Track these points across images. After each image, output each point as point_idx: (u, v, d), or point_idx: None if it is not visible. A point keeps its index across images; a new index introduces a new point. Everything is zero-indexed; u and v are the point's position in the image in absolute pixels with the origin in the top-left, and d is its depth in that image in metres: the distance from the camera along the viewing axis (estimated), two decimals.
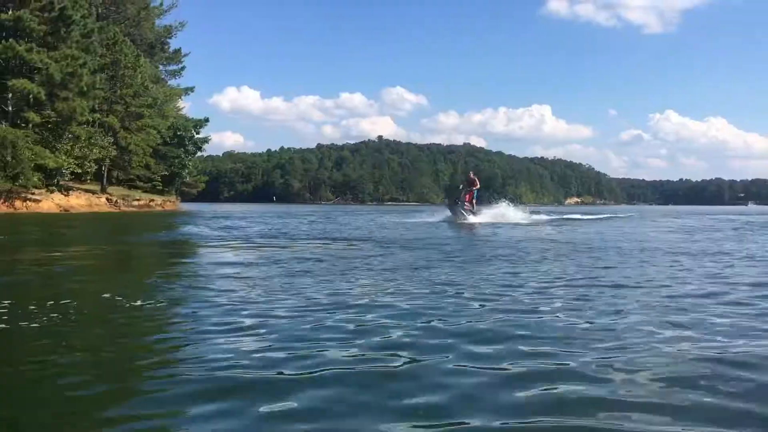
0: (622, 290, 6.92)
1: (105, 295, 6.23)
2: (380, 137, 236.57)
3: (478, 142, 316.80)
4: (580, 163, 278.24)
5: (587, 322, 5.11)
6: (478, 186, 29.56)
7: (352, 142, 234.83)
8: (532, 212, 32.12)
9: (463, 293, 6.59)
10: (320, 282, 7.34)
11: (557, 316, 5.39)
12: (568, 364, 3.82)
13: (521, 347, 4.26)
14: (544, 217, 31.73)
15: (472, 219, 26.84)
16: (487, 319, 5.18)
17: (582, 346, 4.31)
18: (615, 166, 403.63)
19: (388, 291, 6.78)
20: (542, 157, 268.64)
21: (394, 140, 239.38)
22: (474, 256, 11.06)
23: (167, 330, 4.84)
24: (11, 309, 5.36)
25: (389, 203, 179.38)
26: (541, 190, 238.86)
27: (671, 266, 9.53)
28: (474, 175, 30.37)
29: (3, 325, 4.76)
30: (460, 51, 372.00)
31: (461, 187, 29.75)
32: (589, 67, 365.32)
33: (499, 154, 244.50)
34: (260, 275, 7.96)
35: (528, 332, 4.71)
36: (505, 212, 28.77)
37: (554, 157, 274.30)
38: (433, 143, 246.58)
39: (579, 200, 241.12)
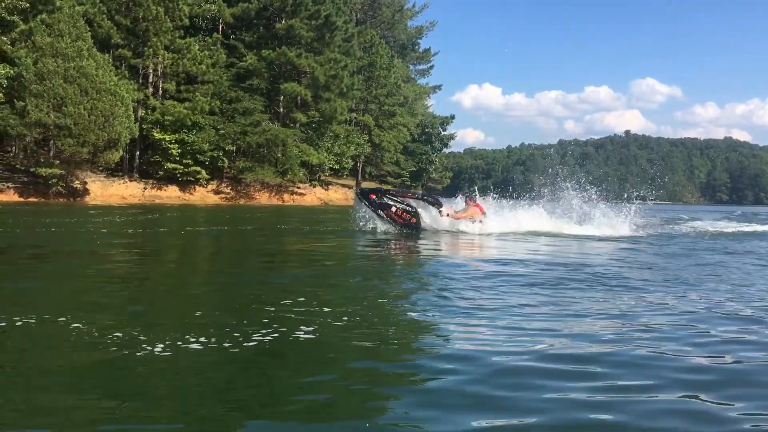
0: None
1: (381, 300, 5.74)
2: (627, 132, 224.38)
3: (741, 135, 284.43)
4: None
5: None
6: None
7: (596, 137, 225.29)
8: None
9: None
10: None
11: None
12: None
13: None
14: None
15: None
16: None
17: None
18: None
19: None
20: None
21: (642, 135, 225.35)
22: None
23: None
24: (285, 311, 5.04)
25: (637, 202, 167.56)
26: None
27: None
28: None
29: (282, 330, 4.38)
30: (719, 35, 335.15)
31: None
32: None
33: None
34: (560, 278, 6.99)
35: None
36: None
37: None
38: (688, 137, 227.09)
39: None
